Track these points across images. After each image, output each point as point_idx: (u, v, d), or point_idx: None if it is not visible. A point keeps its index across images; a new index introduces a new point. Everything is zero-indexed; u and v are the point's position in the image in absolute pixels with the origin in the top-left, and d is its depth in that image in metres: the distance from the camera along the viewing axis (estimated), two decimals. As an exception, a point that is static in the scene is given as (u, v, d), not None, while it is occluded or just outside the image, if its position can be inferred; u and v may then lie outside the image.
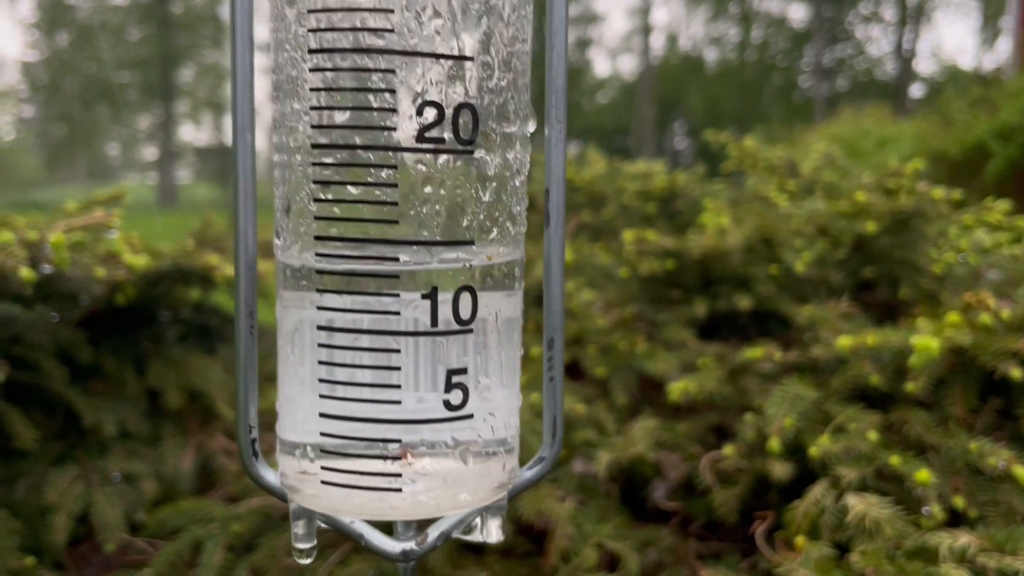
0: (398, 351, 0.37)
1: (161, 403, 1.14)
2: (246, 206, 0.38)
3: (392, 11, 0.35)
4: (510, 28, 0.38)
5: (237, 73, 0.37)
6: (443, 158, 0.37)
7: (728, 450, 0.93)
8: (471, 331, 0.38)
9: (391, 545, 0.40)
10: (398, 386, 0.37)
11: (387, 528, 0.41)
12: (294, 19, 0.36)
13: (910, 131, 5.60)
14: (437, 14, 0.35)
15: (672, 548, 0.92)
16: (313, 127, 0.37)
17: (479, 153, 0.38)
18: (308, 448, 0.39)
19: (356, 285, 0.37)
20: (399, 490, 0.38)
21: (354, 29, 0.35)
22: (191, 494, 1.05)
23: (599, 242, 1.57)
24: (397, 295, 0.37)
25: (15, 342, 1.01)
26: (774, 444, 0.87)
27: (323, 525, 0.41)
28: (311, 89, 0.37)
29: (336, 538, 0.87)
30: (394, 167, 0.36)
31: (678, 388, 0.99)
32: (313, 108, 0.37)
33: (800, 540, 0.79)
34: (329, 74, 0.36)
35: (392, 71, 0.35)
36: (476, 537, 0.42)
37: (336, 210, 0.37)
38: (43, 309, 1.08)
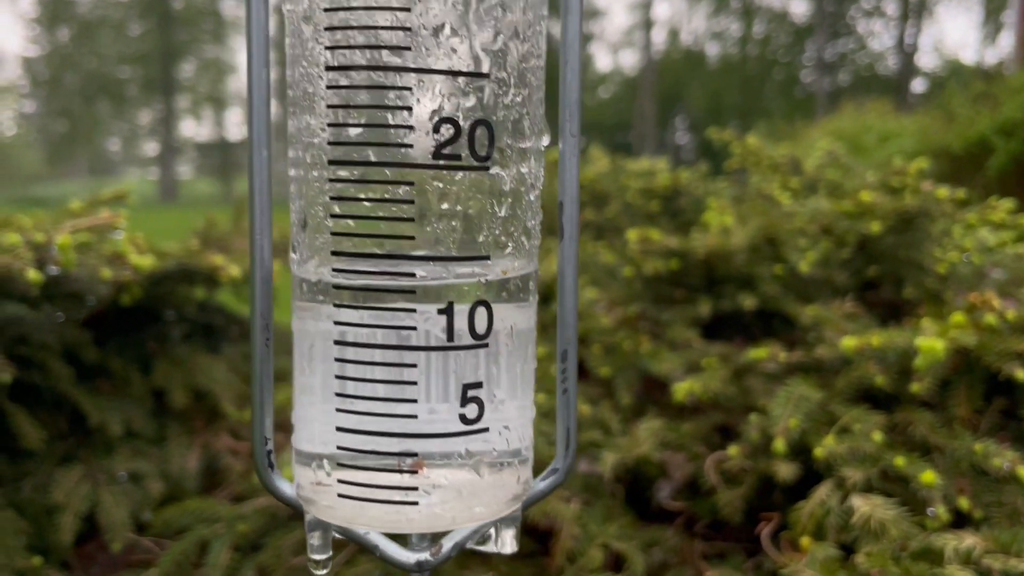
0: (414, 366, 0.37)
1: (166, 402, 1.14)
2: (262, 220, 0.38)
3: (409, 29, 0.35)
4: (525, 44, 0.38)
5: (253, 90, 0.37)
6: (459, 174, 0.37)
7: (733, 450, 0.94)
8: (486, 345, 0.38)
9: (406, 556, 0.40)
10: (414, 400, 0.38)
11: (401, 538, 0.42)
12: (311, 35, 0.36)
13: (912, 126, 5.60)
14: (454, 32, 0.35)
15: (677, 548, 0.92)
16: (330, 143, 0.37)
17: (495, 169, 0.38)
18: (324, 460, 0.39)
19: (372, 300, 0.37)
20: (415, 503, 0.38)
21: (371, 47, 0.35)
22: (197, 493, 1.05)
23: (602, 240, 1.57)
24: (413, 310, 0.37)
25: (21, 342, 1.01)
26: (779, 445, 0.87)
27: (338, 535, 0.42)
28: (328, 106, 0.37)
29: (342, 539, 0.87)
30: (411, 183, 0.36)
31: (683, 388, 1.00)
32: (330, 124, 0.37)
33: (805, 541, 0.80)
34: (345, 91, 0.36)
35: (409, 88, 0.35)
36: (490, 547, 0.42)
37: (352, 225, 0.37)
38: (49, 309, 1.08)
